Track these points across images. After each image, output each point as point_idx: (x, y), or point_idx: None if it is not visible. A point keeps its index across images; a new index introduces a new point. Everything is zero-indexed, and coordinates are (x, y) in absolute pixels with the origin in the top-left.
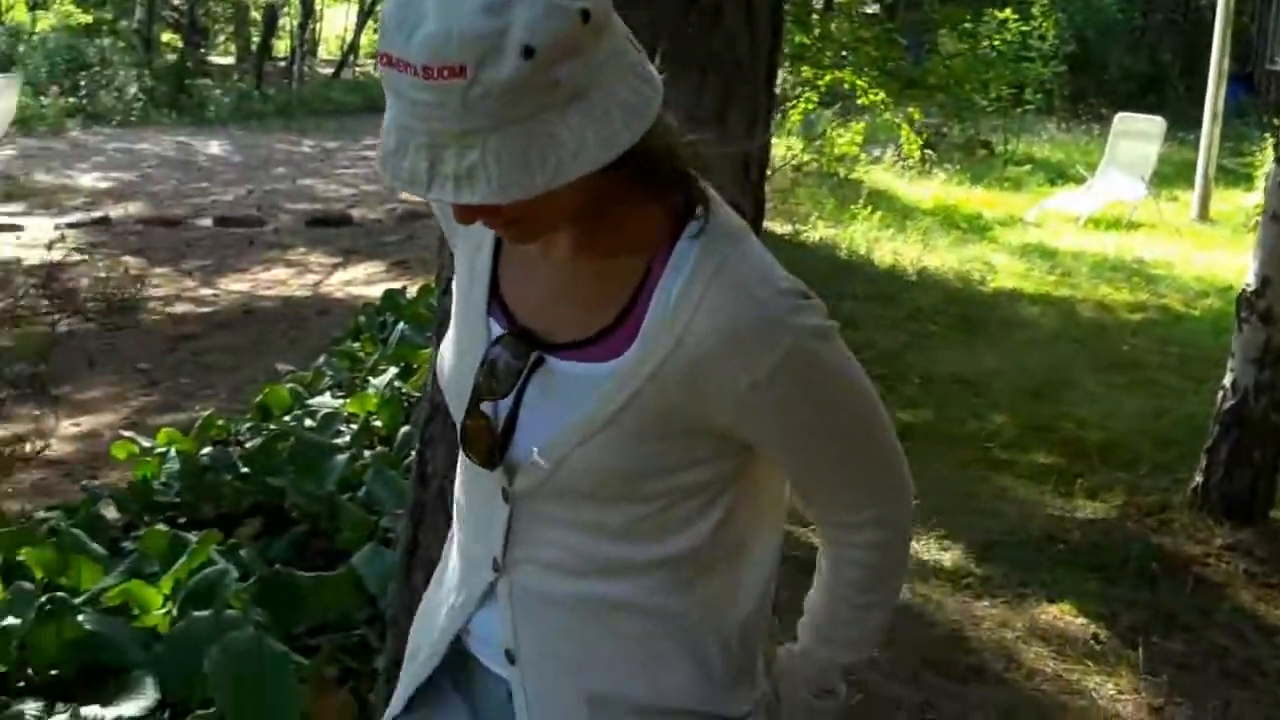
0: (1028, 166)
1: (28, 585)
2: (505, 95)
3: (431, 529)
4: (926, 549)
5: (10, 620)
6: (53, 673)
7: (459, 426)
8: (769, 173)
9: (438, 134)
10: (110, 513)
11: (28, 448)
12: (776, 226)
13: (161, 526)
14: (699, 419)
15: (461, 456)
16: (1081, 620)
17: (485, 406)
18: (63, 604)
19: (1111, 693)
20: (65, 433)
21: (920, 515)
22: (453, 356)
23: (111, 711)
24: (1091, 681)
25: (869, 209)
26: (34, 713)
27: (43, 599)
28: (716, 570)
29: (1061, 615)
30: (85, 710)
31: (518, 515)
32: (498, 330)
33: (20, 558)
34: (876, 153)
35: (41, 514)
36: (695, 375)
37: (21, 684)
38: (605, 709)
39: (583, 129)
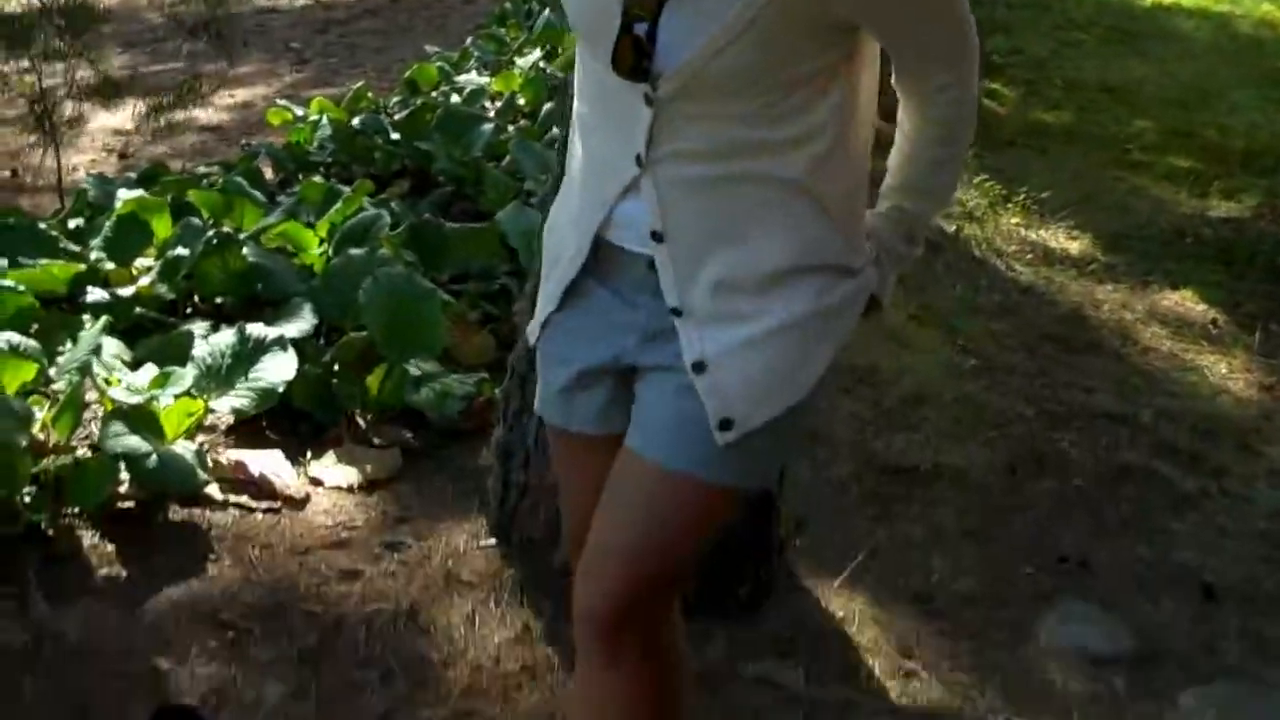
0: None
1: (196, 221)
2: None
3: None
4: (1054, 237)
5: (180, 250)
6: (218, 300)
7: (610, 46)
8: None
9: None
10: (267, 171)
11: (204, 88)
12: None
13: (317, 178)
14: (822, 12)
15: (589, 74)
16: (1202, 306)
17: (638, 28)
18: (228, 238)
19: (1224, 371)
20: (221, 102)
21: (1051, 206)
22: None
23: (274, 331)
24: (1205, 360)
25: None
26: (201, 331)
27: (210, 233)
28: (832, 146)
29: (1182, 301)
30: (250, 327)
31: (660, 116)
32: None
33: (188, 198)
34: None
35: (202, 169)
36: None
37: (189, 310)
38: (745, 263)
39: None
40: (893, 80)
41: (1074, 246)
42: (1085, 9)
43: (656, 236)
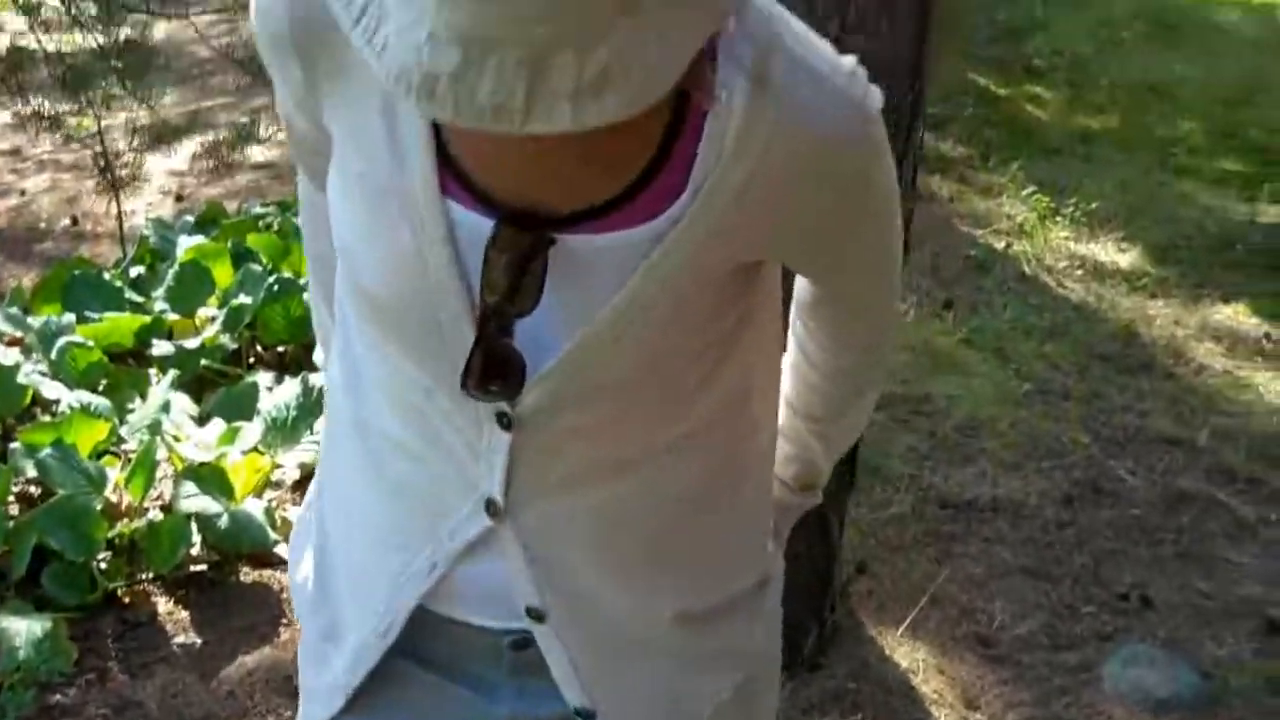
0: None
1: (256, 268)
2: None
3: None
4: (1104, 250)
5: (242, 299)
6: (279, 349)
7: (458, 359)
8: None
9: (546, 40)
10: None
11: (259, 129)
12: None
13: None
14: (756, 253)
15: (404, 381)
16: (1254, 320)
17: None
18: (289, 284)
19: (1278, 388)
20: (276, 138)
21: (1100, 218)
22: (392, 262)
23: None
24: (1260, 377)
25: None
26: (266, 383)
27: (270, 280)
28: (743, 416)
29: (1235, 315)
30: (312, 378)
31: (524, 441)
32: (468, 215)
33: (247, 243)
34: None
35: (258, 209)
36: (768, 206)
37: (252, 359)
38: (681, 623)
39: None
40: (794, 308)
41: (1124, 260)
42: (1126, 4)
43: (535, 614)
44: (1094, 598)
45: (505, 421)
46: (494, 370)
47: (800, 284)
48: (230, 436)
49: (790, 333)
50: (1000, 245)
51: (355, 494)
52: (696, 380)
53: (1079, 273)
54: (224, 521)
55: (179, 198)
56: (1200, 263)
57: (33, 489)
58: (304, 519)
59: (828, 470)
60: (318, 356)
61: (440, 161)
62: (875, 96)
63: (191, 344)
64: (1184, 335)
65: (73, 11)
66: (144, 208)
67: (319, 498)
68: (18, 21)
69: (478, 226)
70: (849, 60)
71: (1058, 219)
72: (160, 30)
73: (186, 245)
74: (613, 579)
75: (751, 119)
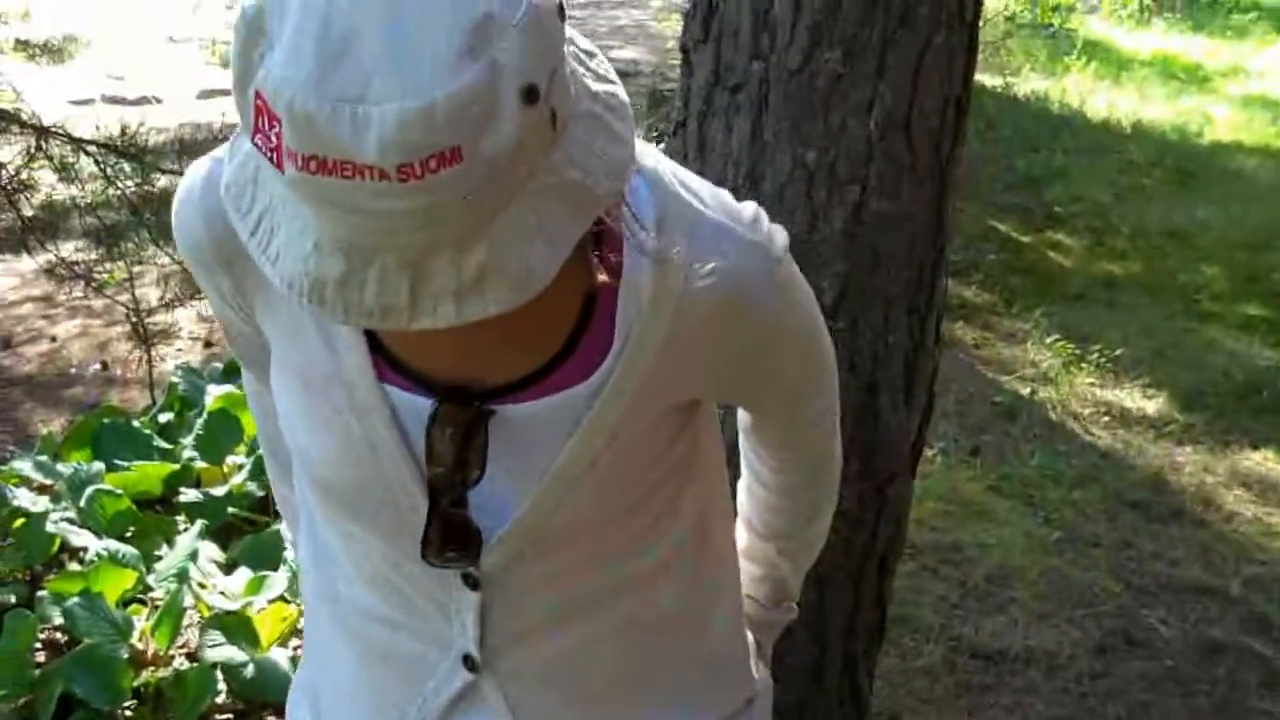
0: (1253, 15)
1: None
2: (511, 160)
3: None
4: (1130, 396)
5: None
6: None
7: (415, 531)
8: (980, 23)
9: (422, 245)
10: None
11: None
12: (987, 79)
13: None
14: (689, 393)
15: (367, 554)
16: None
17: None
18: None
19: None
20: None
21: (1125, 364)
22: (342, 451)
23: None
24: None
25: (1083, 60)
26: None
27: None
28: (708, 538)
29: (1264, 461)
30: None
31: (492, 597)
32: (406, 396)
33: None
34: (1093, 1)
35: None
36: (692, 355)
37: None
38: None
39: (586, 160)
40: (740, 434)
41: (1150, 406)
42: (1145, 151)
43: None
44: None
45: (471, 581)
46: (452, 538)
47: (741, 411)
48: (256, 585)
49: (742, 459)
50: (1025, 391)
51: (337, 662)
52: (657, 514)
53: (1105, 419)
54: (249, 671)
55: (208, 344)
56: (1227, 409)
57: (59, 636)
58: (295, 686)
59: (797, 584)
60: (284, 532)
61: (372, 348)
62: (779, 237)
63: (219, 492)
64: (1213, 482)
65: (106, 172)
66: (174, 354)
67: (307, 666)
68: (52, 176)
69: (417, 406)
70: (749, 206)
71: (1082, 365)
72: None
73: (215, 393)
74: (595, 717)
75: (660, 288)
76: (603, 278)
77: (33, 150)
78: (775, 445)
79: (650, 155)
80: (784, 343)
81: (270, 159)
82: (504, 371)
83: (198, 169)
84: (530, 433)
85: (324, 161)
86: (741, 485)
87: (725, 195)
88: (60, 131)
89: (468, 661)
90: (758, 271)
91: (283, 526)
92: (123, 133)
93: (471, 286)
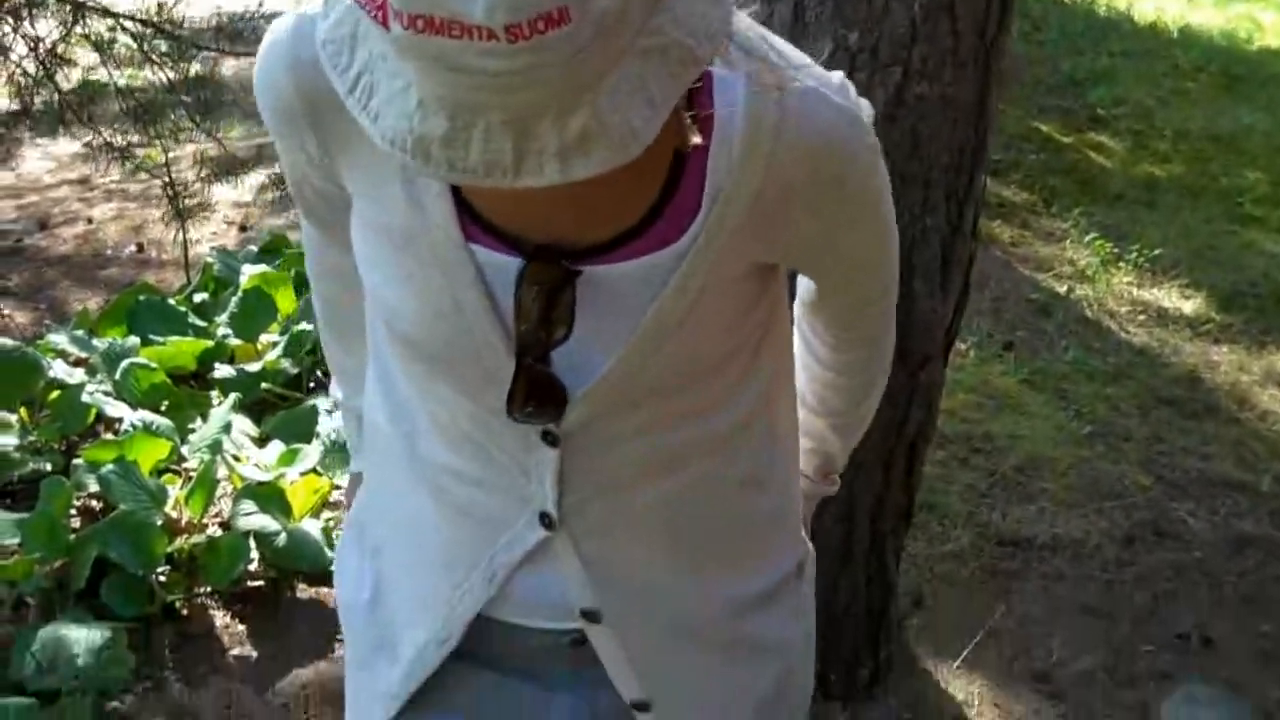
0: None
1: None
2: (617, 21)
3: None
4: (1167, 296)
5: (304, 325)
6: None
7: (501, 388)
8: None
9: (527, 105)
10: None
11: None
12: None
13: None
14: (772, 255)
15: (451, 411)
16: None
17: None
18: None
19: None
20: None
21: (1163, 264)
22: (428, 307)
23: None
24: None
25: None
26: (325, 405)
27: None
28: (773, 409)
29: None
30: None
31: (571, 455)
32: (494, 256)
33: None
34: None
35: None
36: (779, 213)
37: (312, 384)
38: (730, 613)
39: (688, 20)
40: (798, 311)
41: (1188, 306)
42: (1192, 55)
43: (590, 615)
44: (1153, 637)
45: (551, 439)
46: (536, 395)
47: (803, 285)
48: (289, 458)
49: (797, 336)
50: (1062, 289)
51: (412, 517)
52: (738, 374)
53: (1142, 318)
54: (281, 540)
55: (243, 228)
56: (1265, 310)
57: (94, 503)
58: (347, 539)
59: (844, 460)
60: (335, 391)
61: (459, 208)
62: (866, 107)
63: (253, 368)
64: (1248, 380)
65: (144, 49)
66: (209, 237)
67: (367, 518)
68: (90, 56)
69: (504, 266)
70: (837, 74)
71: (1120, 265)
72: (228, 67)
73: (250, 273)
74: (665, 572)
75: (751, 143)
76: (695, 139)
77: (69, 24)
78: (835, 322)
79: (742, 20)
80: (863, 209)
81: (375, 17)
82: (594, 232)
83: (282, 24)
84: (618, 293)
85: (431, 20)
86: (797, 364)
87: (812, 62)
88: (97, 5)
89: (544, 519)
90: (846, 134)
91: (333, 385)
92: (159, 9)
93: (575, 146)
